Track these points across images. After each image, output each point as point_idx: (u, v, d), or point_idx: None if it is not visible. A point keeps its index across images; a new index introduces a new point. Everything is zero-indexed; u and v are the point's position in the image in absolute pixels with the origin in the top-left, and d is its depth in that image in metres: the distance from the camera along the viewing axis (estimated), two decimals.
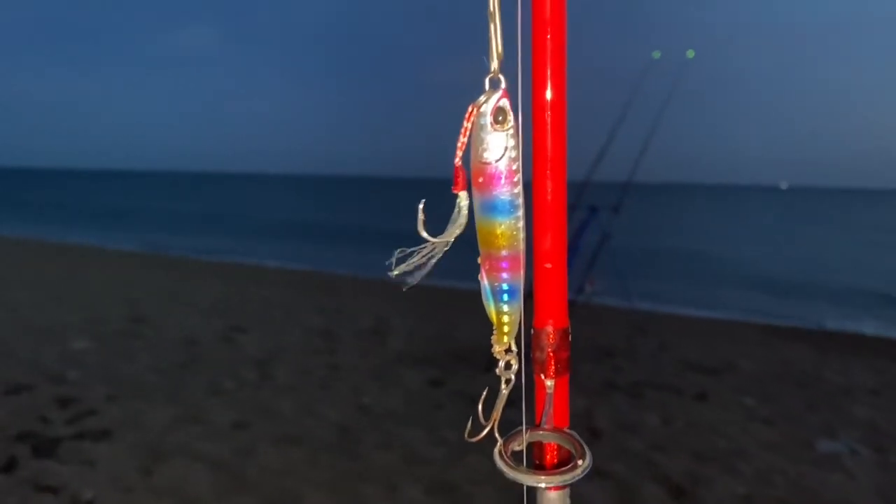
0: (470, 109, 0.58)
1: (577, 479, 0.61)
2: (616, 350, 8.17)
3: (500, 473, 0.62)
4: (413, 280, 0.63)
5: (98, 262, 15.55)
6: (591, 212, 7.17)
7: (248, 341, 7.75)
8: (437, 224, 0.62)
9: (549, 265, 0.64)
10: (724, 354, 8.36)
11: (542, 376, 0.65)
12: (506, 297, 0.62)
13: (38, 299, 9.74)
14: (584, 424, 5.49)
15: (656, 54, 7.32)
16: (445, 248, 0.61)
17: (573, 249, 7.04)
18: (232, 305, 10.09)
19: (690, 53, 7.42)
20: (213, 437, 4.86)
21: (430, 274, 0.63)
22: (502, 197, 0.58)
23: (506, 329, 0.63)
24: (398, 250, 0.61)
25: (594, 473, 4.51)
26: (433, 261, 0.62)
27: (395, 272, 0.62)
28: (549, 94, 0.60)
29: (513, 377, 0.65)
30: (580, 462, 0.61)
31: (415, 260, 0.62)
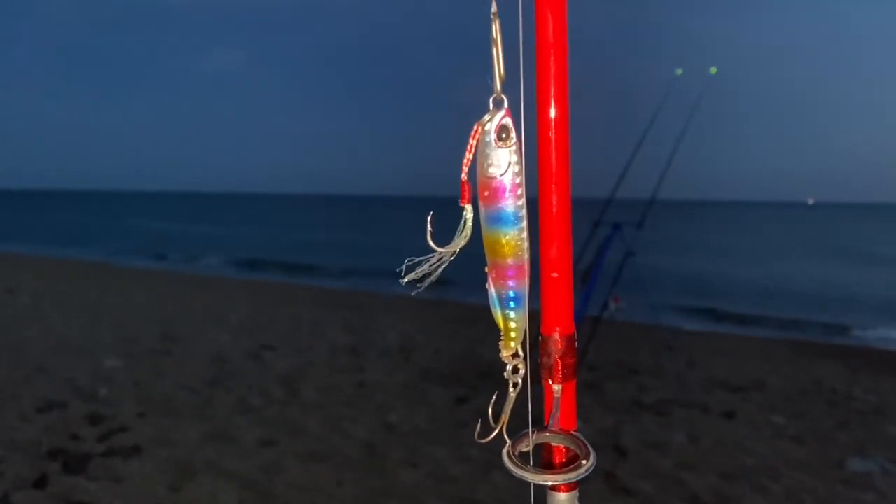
0: (475, 128, 0.62)
1: (580, 477, 0.63)
2: (642, 368, 8.12)
3: (512, 477, 0.65)
4: (421, 287, 0.67)
5: (130, 281, 15.79)
6: (614, 228, 7.16)
7: (276, 359, 7.82)
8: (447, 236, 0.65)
9: (555, 274, 0.67)
10: (752, 372, 8.27)
11: (550, 381, 0.68)
12: (512, 304, 0.65)
13: (71, 318, 9.91)
14: (611, 443, 5.46)
15: (679, 71, 7.33)
16: (452, 258, 0.65)
17: (597, 266, 7.02)
18: (261, 324, 10.19)
19: (713, 70, 7.41)
20: (240, 455, 4.91)
21: (436, 283, 0.67)
22: (507, 209, 0.62)
23: (513, 335, 0.67)
24: (408, 259, 0.65)
25: (622, 493, 4.50)
26: (440, 269, 0.65)
27: (405, 280, 0.65)
28: (553, 113, 0.64)
29: (520, 381, 0.68)
30: (583, 462, 0.64)
31: (423, 269, 0.65)
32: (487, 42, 0.59)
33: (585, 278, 7.14)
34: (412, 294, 0.68)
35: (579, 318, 7.03)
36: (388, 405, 6.23)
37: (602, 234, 7.32)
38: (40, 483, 4.30)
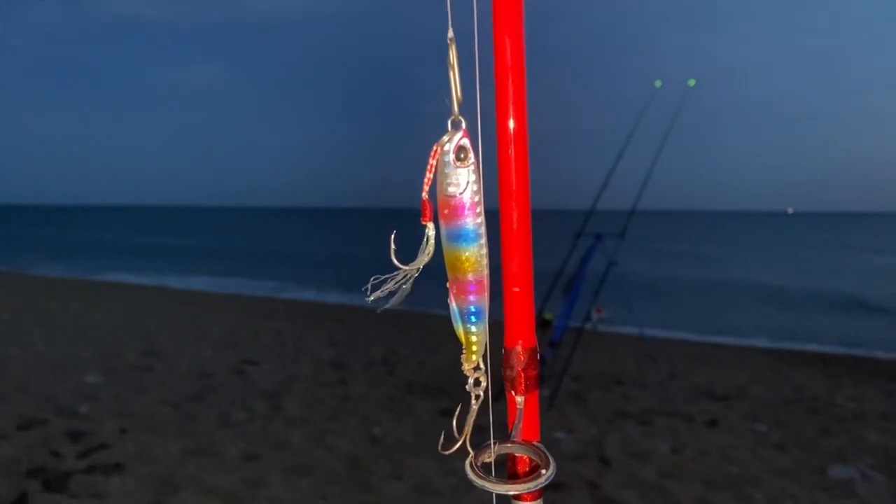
0: (434, 148, 0.64)
1: (540, 486, 0.65)
2: (626, 377, 8.15)
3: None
4: (392, 306, 0.69)
5: (112, 297, 15.67)
6: (596, 239, 7.21)
7: (260, 373, 7.79)
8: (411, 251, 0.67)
9: (516, 289, 0.69)
10: (734, 381, 8.33)
11: (513, 393, 0.70)
12: (473, 318, 0.67)
13: (52, 334, 9.82)
14: (595, 453, 5.47)
15: (658, 83, 7.41)
16: (416, 275, 0.67)
17: (580, 277, 7.06)
18: (244, 338, 10.14)
19: (692, 82, 7.50)
20: (223, 470, 4.88)
21: (406, 300, 0.68)
22: (467, 227, 0.64)
23: (474, 348, 0.69)
24: (373, 277, 0.67)
25: (606, 502, 4.51)
26: (406, 286, 0.67)
27: (371, 298, 0.67)
28: (511, 132, 0.66)
29: (482, 393, 0.70)
30: (543, 471, 0.66)
31: (388, 286, 0.67)
32: (460, 61, 0.62)
33: (568, 289, 7.18)
34: (378, 311, 0.69)
35: (563, 329, 7.07)
36: (373, 418, 6.21)
37: (584, 244, 7.38)
38: (20, 502, 4.25)
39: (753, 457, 5.52)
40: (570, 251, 7.31)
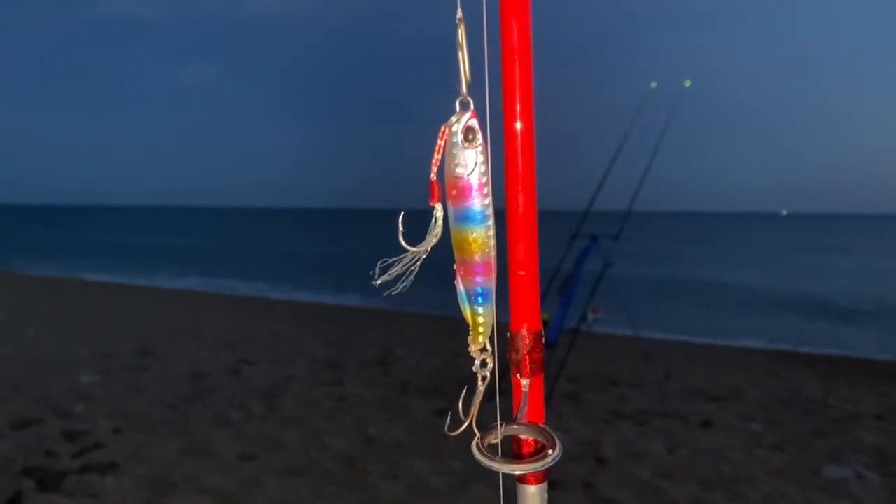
0: (442, 129, 0.64)
1: (546, 466, 0.65)
2: (621, 378, 8.16)
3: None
4: (397, 289, 0.68)
5: (107, 297, 15.62)
6: (591, 240, 7.21)
7: (255, 373, 7.78)
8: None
9: (522, 272, 0.69)
10: (729, 381, 8.34)
11: (518, 376, 0.70)
12: (480, 299, 0.67)
13: (47, 334, 9.79)
14: (591, 453, 5.48)
15: (654, 84, 7.41)
16: (424, 256, 0.67)
17: (575, 278, 7.06)
18: (239, 338, 10.12)
19: (687, 83, 7.50)
20: (219, 470, 4.87)
21: (412, 283, 0.68)
22: (474, 207, 0.64)
23: (481, 329, 0.69)
24: (380, 261, 0.67)
25: (602, 502, 4.52)
26: (414, 269, 0.67)
27: (378, 282, 0.67)
28: (518, 115, 0.66)
29: (488, 374, 0.70)
30: (549, 452, 0.66)
31: (396, 269, 0.67)
32: (454, 49, 0.62)
33: (564, 290, 7.18)
34: (383, 295, 0.69)
35: (558, 329, 7.07)
36: (368, 418, 6.21)
37: (579, 245, 7.37)
38: (14, 501, 4.24)
39: (748, 457, 5.53)
40: (566, 252, 7.30)
